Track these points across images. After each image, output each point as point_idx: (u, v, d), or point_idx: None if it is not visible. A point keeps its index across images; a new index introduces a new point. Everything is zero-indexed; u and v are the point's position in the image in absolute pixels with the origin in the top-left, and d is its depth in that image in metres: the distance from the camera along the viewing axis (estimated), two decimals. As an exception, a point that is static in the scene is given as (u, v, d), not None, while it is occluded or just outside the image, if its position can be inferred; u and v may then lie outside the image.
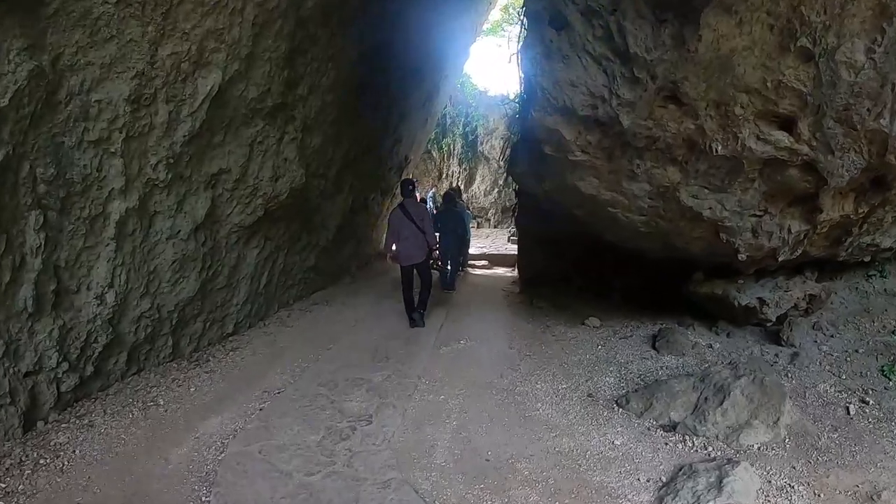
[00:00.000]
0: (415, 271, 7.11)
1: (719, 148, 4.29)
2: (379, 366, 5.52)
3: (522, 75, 6.35)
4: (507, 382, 5.21)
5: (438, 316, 7.71)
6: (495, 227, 20.23)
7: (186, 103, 4.58)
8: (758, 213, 4.83)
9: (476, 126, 19.90)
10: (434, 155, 20.97)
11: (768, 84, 3.89)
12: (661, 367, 5.63)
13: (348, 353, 5.93)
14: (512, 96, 19.66)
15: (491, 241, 16.42)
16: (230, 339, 6.33)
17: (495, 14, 19.82)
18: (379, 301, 8.79)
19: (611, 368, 5.70)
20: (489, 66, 45.97)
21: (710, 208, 4.85)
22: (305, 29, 5.74)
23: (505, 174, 19.77)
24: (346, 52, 6.90)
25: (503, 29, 20.61)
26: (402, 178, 13.10)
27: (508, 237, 15.82)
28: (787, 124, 4.12)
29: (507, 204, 20.17)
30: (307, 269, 8.40)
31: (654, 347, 6.30)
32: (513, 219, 15.82)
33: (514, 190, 10.72)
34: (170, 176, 4.64)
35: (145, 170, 4.42)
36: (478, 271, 12.48)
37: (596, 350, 6.31)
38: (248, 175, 5.60)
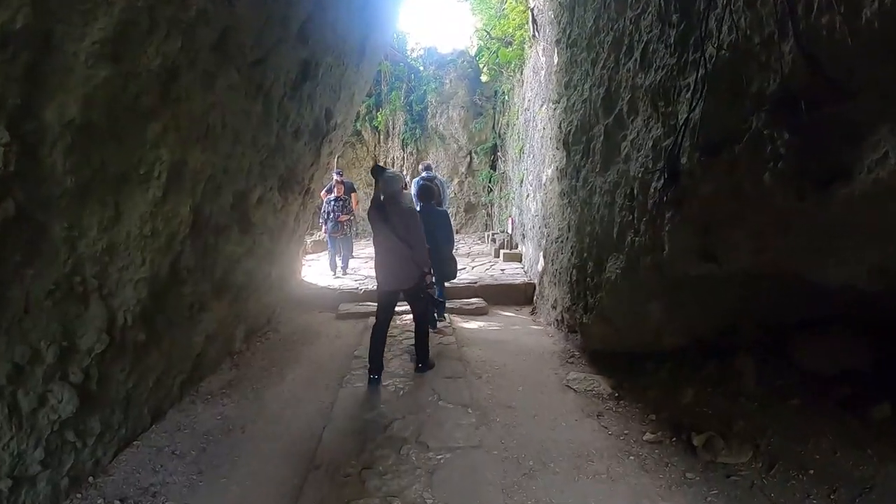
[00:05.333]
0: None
1: None
2: None
3: None
4: None
5: None
6: (458, 231, 14.60)
7: None
8: None
9: (425, 92, 14.17)
10: (365, 136, 15.04)
11: None
12: None
13: None
14: (473, 51, 14.23)
15: (467, 255, 10.79)
16: None
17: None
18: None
19: None
20: (432, 20, 36.85)
21: None
22: None
23: (468, 157, 14.25)
24: None
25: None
26: (337, 159, 7.54)
27: (498, 249, 10.24)
28: None
29: (473, 199, 14.66)
30: (57, 428, 2.49)
31: None
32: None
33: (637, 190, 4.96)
34: None
35: None
36: (472, 323, 6.82)
37: None
38: None
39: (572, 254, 5.34)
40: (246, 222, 5.02)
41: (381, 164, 15.22)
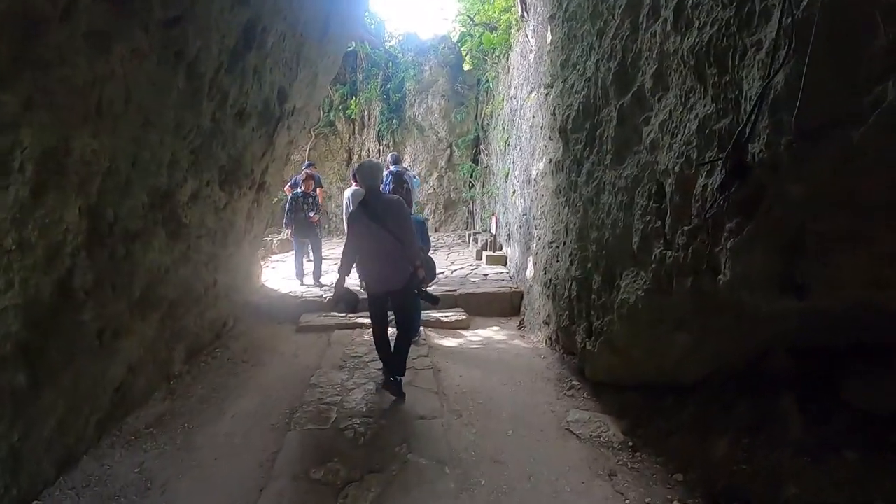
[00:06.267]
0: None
1: None
2: None
3: None
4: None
5: None
6: (436, 229, 13.72)
7: None
8: None
9: (403, 80, 13.19)
10: (339, 126, 14.04)
11: None
12: None
13: None
14: (455, 37, 13.28)
15: (446, 257, 9.91)
16: None
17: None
18: None
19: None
20: (411, 4, 34.16)
21: None
22: None
23: (449, 150, 13.37)
24: None
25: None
26: (293, 143, 6.21)
27: (480, 250, 9.39)
28: None
29: (454, 195, 13.78)
30: None
31: None
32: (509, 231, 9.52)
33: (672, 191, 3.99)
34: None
35: None
36: (450, 340, 5.97)
37: None
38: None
39: (571, 263, 4.52)
40: (175, 224, 4.08)
41: (357, 156, 14.25)
